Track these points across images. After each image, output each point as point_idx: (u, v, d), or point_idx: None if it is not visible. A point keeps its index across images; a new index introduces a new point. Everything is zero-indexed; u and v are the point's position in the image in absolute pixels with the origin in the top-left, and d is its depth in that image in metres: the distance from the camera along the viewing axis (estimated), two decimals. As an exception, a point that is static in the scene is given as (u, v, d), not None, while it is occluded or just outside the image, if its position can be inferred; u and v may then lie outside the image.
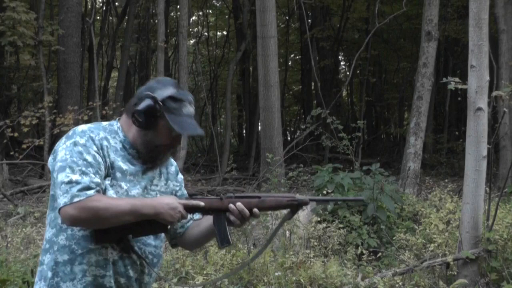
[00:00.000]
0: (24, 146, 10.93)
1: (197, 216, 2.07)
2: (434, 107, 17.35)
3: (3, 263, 4.77)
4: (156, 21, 14.80)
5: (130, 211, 1.87)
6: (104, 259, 1.94)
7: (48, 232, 1.99)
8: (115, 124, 2.06)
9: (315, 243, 5.64)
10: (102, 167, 1.93)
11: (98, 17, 20.88)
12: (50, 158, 1.98)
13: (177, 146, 2.06)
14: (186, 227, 2.21)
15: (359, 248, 5.56)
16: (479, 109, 4.81)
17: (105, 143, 1.98)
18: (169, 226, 2.08)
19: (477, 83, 4.82)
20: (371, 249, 5.86)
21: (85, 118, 11.78)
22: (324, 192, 6.66)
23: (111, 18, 21.13)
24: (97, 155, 1.92)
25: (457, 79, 5.29)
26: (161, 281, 4.64)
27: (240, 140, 26.09)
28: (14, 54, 17.35)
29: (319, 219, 6.07)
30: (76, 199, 1.82)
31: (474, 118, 4.84)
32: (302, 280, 4.74)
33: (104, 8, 20.80)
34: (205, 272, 4.72)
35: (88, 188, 1.85)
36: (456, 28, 16.31)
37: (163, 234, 2.13)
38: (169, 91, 1.99)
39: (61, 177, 1.87)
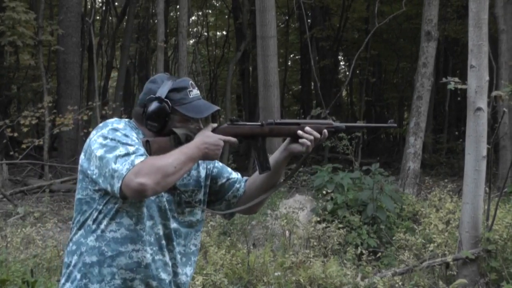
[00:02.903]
0: (23, 146, 10.94)
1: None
2: (434, 107, 17.34)
3: (2, 263, 4.77)
4: (156, 21, 14.77)
5: (186, 160, 1.81)
6: (134, 262, 1.89)
7: (75, 234, 1.93)
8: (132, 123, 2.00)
9: (315, 243, 5.64)
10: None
11: (98, 17, 20.89)
12: (82, 155, 1.90)
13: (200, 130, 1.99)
14: (239, 195, 2.15)
15: (358, 248, 5.56)
16: (479, 109, 4.81)
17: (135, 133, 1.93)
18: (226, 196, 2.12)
19: (476, 83, 4.83)
20: (370, 249, 5.86)
21: (85, 118, 11.79)
22: (324, 192, 6.67)
23: (110, 18, 21.14)
24: (137, 140, 1.88)
25: (456, 79, 5.30)
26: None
27: (239, 140, 26.04)
28: (14, 54, 17.36)
29: (318, 219, 6.07)
30: (137, 161, 1.74)
31: (474, 118, 4.84)
32: (301, 280, 4.74)
33: (104, 8, 20.81)
34: (204, 272, 4.72)
35: (145, 155, 1.80)
36: (455, 28, 16.31)
37: (193, 233, 2.04)
38: (168, 84, 1.96)
39: (112, 154, 1.78)
